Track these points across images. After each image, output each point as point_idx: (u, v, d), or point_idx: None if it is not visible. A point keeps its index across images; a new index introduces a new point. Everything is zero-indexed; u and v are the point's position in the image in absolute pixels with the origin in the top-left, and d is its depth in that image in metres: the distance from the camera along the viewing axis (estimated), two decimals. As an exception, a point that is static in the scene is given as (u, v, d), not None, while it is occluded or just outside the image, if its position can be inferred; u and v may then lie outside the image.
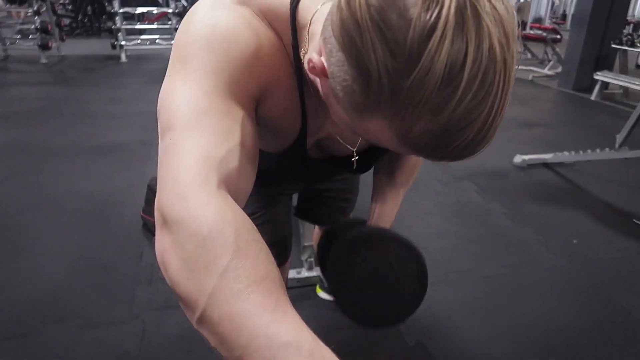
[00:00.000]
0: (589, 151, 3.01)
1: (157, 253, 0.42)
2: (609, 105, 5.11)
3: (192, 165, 0.43)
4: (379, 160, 0.82)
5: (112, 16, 7.09)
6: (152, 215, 0.44)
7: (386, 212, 0.95)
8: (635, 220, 2.40)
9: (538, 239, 2.21)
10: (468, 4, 0.33)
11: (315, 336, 0.35)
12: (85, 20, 9.37)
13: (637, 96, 5.26)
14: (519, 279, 1.90)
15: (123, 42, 6.91)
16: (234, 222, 0.39)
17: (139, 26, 7.97)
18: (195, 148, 0.44)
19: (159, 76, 0.51)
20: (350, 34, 0.36)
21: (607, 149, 2.98)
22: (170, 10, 7.48)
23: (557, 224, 2.37)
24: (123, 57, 6.86)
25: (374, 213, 0.95)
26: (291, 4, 0.54)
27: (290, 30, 0.55)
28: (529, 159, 3.11)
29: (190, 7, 0.56)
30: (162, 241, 0.41)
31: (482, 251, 2.10)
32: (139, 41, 7.54)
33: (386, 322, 0.84)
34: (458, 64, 0.33)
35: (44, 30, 6.48)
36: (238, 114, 0.49)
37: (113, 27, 6.99)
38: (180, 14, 7.10)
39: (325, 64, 0.42)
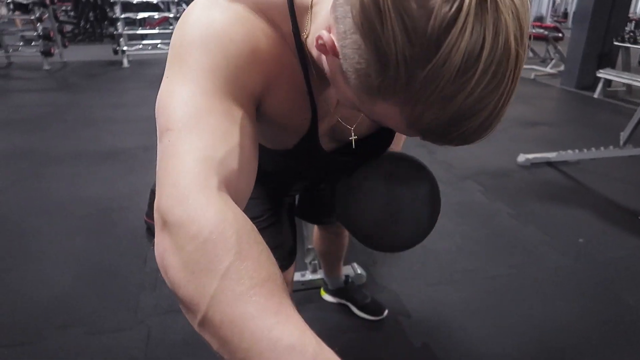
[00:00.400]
0: (593, 149, 3.00)
1: (156, 256, 0.41)
2: (612, 102, 5.09)
3: (191, 167, 0.42)
4: (388, 141, 0.81)
5: (113, 22, 7.13)
6: None
7: (396, 137, 0.95)
8: (640, 218, 2.38)
9: (543, 238, 2.20)
10: None
11: (319, 339, 0.34)
12: (87, 26, 9.42)
13: (640, 93, 5.24)
14: (524, 279, 1.89)
15: (125, 48, 6.94)
16: (235, 224, 0.39)
17: (140, 31, 8.00)
18: (194, 149, 0.43)
19: (161, 81, 0.51)
20: (371, 20, 0.36)
21: (611, 147, 2.96)
22: (171, 15, 7.52)
23: (562, 223, 2.35)
24: (125, 63, 6.89)
25: None
26: None
27: (289, 18, 0.54)
28: (533, 158, 3.10)
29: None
30: (162, 243, 0.41)
31: (486, 251, 2.09)
32: (140, 46, 7.57)
33: (399, 244, 0.80)
34: (474, 56, 0.34)
35: (46, 37, 6.52)
36: (237, 114, 0.49)
37: (115, 32, 7.02)
38: (182, 19, 7.12)
39: (336, 43, 0.42)
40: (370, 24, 0.36)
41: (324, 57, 0.48)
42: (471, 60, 0.34)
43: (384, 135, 0.79)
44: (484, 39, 0.34)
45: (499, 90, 0.37)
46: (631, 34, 5.03)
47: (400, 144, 1.02)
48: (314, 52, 0.53)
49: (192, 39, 0.49)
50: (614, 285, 1.85)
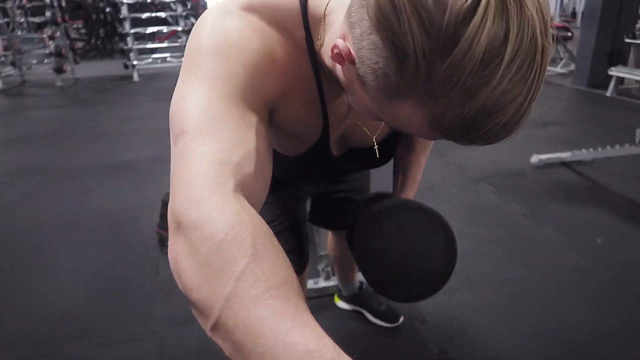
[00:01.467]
0: (608, 147, 2.94)
1: (170, 259, 0.41)
2: (626, 100, 5.01)
3: (207, 170, 0.42)
4: (395, 147, 0.82)
5: (123, 37, 7.25)
6: (167, 229, 0.43)
7: (410, 181, 0.95)
8: (660, 217, 2.32)
9: (560, 239, 2.16)
10: None
11: (336, 345, 0.33)
12: (98, 42, 9.59)
13: (654, 90, 5.15)
14: (541, 281, 1.85)
15: (135, 62, 7.05)
16: (251, 225, 0.38)
17: (150, 45, 8.12)
18: (210, 152, 0.43)
19: (171, 93, 0.51)
20: (387, 16, 0.36)
21: (626, 145, 2.90)
22: (179, 29, 7.62)
23: (579, 223, 2.30)
24: (135, 77, 6.99)
25: (398, 184, 0.96)
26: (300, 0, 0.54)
27: (302, 27, 0.55)
28: (547, 158, 3.05)
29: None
30: (176, 246, 0.40)
31: (502, 253, 2.06)
32: (150, 60, 7.69)
33: (415, 296, 0.82)
34: (496, 48, 0.34)
35: (58, 54, 6.66)
36: (252, 120, 0.49)
37: (125, 47, 7.15)
38: (190, 32, 7.22)
39: (351, 49, 0.42)
40: (386, 20, 0.36)
41: (339, 67, 0.48)
42: (494, 52, 0.34)
43: (392, 141, 0.79)
44: (507, 31, 0.33)
45: (525, 84, 0.36)
46: (642, 30, 4.96)
47: (427, 150, 0.98)
48: (328, 61, 0.54)
49: (209, 46, 0.50)
50: (634, 286, 1.80)
